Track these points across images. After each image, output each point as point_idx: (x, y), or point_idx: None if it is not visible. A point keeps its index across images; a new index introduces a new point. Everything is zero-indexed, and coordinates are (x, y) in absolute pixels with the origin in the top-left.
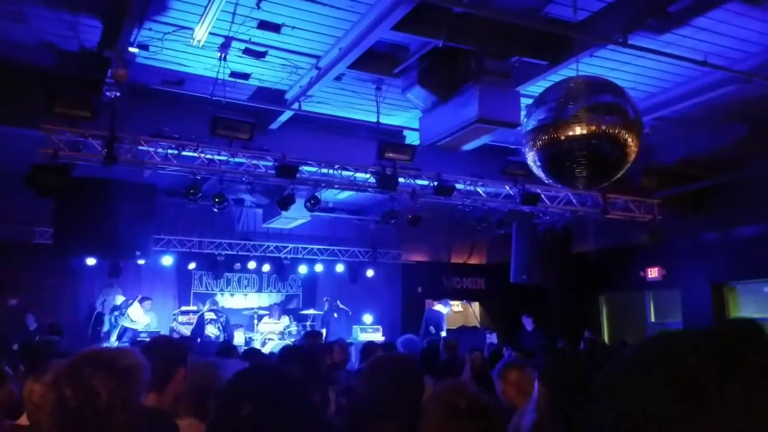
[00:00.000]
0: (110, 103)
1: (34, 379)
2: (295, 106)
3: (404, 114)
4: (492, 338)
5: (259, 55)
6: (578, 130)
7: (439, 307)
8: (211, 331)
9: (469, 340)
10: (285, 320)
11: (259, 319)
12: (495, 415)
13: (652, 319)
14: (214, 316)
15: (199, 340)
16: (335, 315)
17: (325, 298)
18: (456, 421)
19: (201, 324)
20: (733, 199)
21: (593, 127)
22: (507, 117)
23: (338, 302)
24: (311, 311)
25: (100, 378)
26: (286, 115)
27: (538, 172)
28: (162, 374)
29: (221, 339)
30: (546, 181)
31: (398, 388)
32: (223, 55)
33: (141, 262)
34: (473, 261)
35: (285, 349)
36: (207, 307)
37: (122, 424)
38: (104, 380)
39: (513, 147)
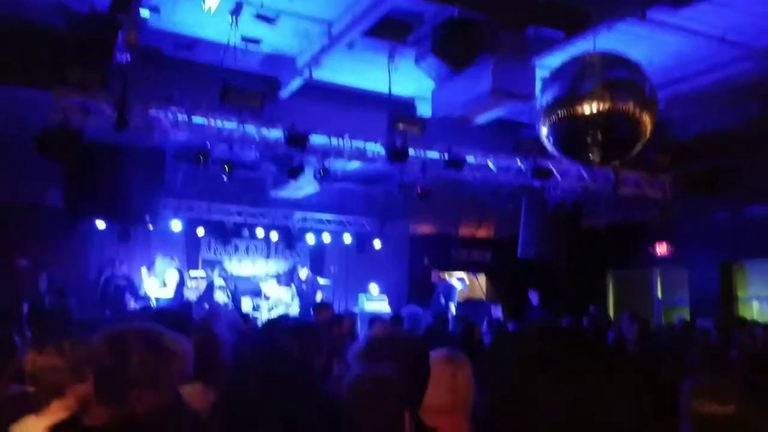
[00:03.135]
0: (121, 68)
1: (36, 350)
2: (306, 73)
3: (416, 83)
4: (497, 311)
5: (271, 21)
6: (593, 107)
7: (453, 281)
8: (220, 297)
9: (474, 313)
10: (292, 288)
11: (266, 284)
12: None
13: (659, 296)
14: (223, 283)
15: (207, 306)
16: (304, 287)
17: (332, 268)
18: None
19: (210, 290)
20: (746, 178)
21: (609, 105)
22: (521, 89)
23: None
24: (319, 280)
25: (139, 349)
26: (297, 83)
27: (551, 147)
28: None
29: (230, 306)
30: (558, 157)
31: (400, 370)
32: (234, 19)
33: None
34: (481, 234)
35: (288, 325)
36: (216, 273)
37: (148, 402)
38: (142, 353)
39: (526, 122)
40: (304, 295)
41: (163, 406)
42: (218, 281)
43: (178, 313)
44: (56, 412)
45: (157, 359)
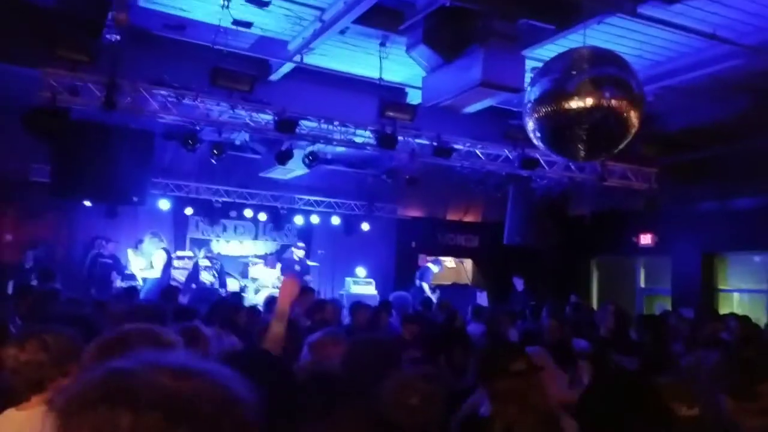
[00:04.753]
0: (110, 47)
1: (18, 345)
2: (297, 58)
3: (408, 71)
4: (482, 298)
5: (262, 4)
6: (581, 103)
7: (430, 264)
8: (206, 278)
9: (459, 298)
10: (279, 269)
11: (253, 267)
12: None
13: (642, 285)
14: (209, 263)
15: (194, 286)
16: (297, 267)
17: (319, 251)
18: (406, 413)
19: (196, 271)
20: (731, 171)
21: (596, 101)
22: (511, 82)
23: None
24: (306, 261)
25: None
26: (288, 66)
27: (538, 142)
28: None
29: (216, 286)
30: (545, 151)
31: (376, 372)
32: (225, 2)
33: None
34: (469, 218)
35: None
36: (202, 254)
37: None
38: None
39: (516, 109)
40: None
41: None
42: (204, 262)
43: (156, 307)
44: (36, 405)
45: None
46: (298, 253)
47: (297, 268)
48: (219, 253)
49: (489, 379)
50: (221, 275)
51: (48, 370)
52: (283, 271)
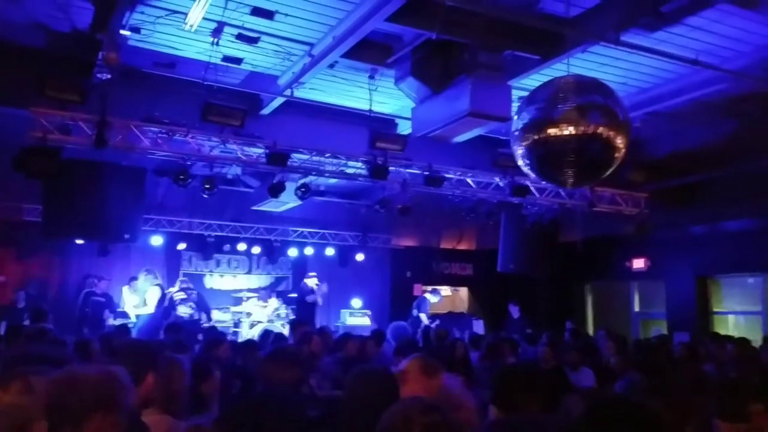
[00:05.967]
0: (101, 86)
1: (1, 387)
2: (288, 92)
3: (397, 102)
4: (478, 325)
5: (252, 41)
6: (567, 131)
7: (428, 295)
8: (184, 311)
9: (455, 326)
10: (273, 303)
11: (247, 301)
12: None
13: (636, 309)
14: (183, 296)
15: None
16: (311, 298)
17: (315, 282)
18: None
19: (172, 306)
20: (720, 194)
21: (582, 128)
22: (498, 111)
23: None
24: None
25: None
26: (278, 100)
27: (527, 169)
28: (131, 378)
29: (195, 317)
30: (535, 178)
31: (375, 404)
32: (215, 39)
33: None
34: (463, 246)
35: (276, 351)
36: (176, 287)
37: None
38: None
39: (504, 138)
40: (308, 307)
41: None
42: (178, 295)
43: (144, 347)
44: None
45: (105, 382)
46: (311, 283)
47: (310, 299)
48: (212, 288)
49: None
50: (201, 304)
51: (32, 412)
52: (299, 296)
